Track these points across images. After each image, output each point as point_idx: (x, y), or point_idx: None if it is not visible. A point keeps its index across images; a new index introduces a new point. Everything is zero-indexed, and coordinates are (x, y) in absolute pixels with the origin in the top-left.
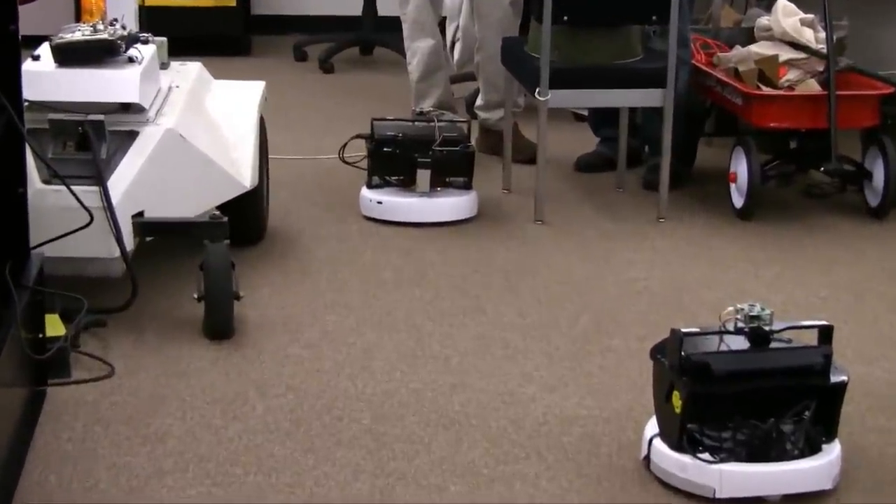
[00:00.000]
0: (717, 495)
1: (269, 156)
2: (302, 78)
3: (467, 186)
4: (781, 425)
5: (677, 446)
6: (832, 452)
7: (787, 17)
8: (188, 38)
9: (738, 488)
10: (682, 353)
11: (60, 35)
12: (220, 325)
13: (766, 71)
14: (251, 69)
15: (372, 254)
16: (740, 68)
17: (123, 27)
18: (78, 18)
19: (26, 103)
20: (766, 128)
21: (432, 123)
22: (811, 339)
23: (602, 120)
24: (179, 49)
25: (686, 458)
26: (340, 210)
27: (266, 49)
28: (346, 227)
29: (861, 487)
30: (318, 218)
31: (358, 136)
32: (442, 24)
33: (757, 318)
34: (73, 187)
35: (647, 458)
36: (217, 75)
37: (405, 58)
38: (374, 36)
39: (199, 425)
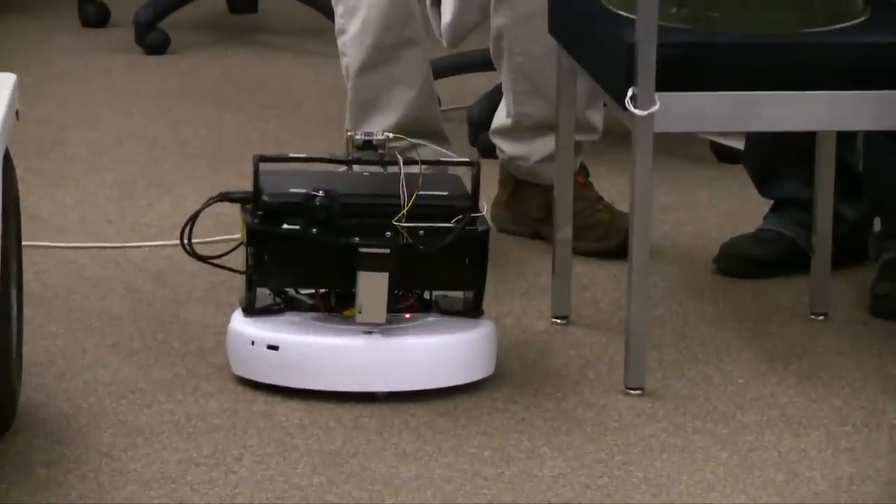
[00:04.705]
0: None
1: (25, 243)
2: (100, 65)
3: (473, 311)
4: None
5: None
6: None
7: None
8: None
9: None
10: None
11: None
12: None
13: None
14: None
15: (256, 466)
16: None
17: None
18: None
19: None
20: None
21: (393, 168)
22: None
23: (778, 163)
24: None
25: None
26: (184, 364)
27: (23, 3)
28: (197, 404)
29: None
30: (132, 382)
31: (223, 198)
32: None
33: None
34: None
35: None
36: None
37: (332, 20)
38: None
39: None
